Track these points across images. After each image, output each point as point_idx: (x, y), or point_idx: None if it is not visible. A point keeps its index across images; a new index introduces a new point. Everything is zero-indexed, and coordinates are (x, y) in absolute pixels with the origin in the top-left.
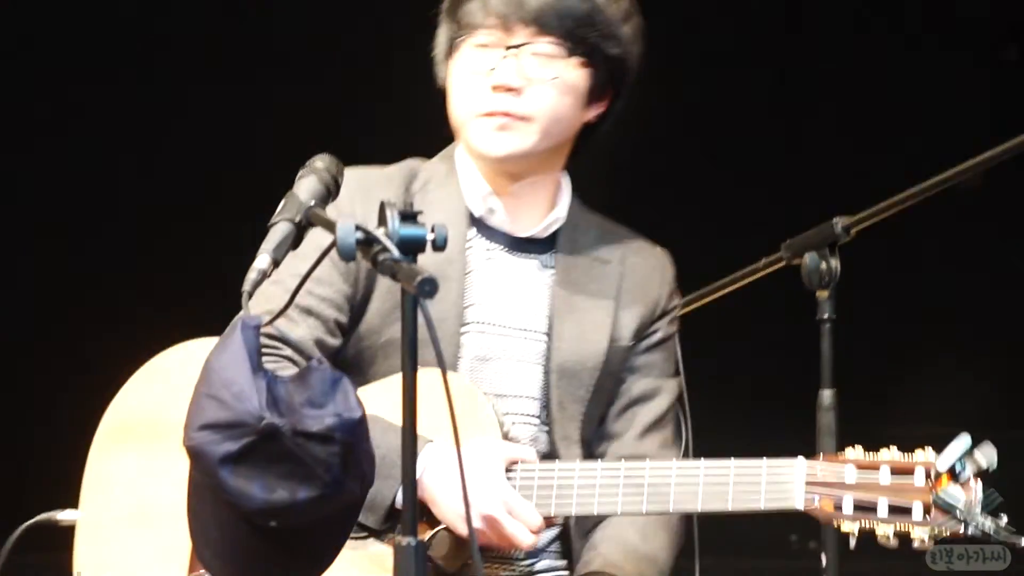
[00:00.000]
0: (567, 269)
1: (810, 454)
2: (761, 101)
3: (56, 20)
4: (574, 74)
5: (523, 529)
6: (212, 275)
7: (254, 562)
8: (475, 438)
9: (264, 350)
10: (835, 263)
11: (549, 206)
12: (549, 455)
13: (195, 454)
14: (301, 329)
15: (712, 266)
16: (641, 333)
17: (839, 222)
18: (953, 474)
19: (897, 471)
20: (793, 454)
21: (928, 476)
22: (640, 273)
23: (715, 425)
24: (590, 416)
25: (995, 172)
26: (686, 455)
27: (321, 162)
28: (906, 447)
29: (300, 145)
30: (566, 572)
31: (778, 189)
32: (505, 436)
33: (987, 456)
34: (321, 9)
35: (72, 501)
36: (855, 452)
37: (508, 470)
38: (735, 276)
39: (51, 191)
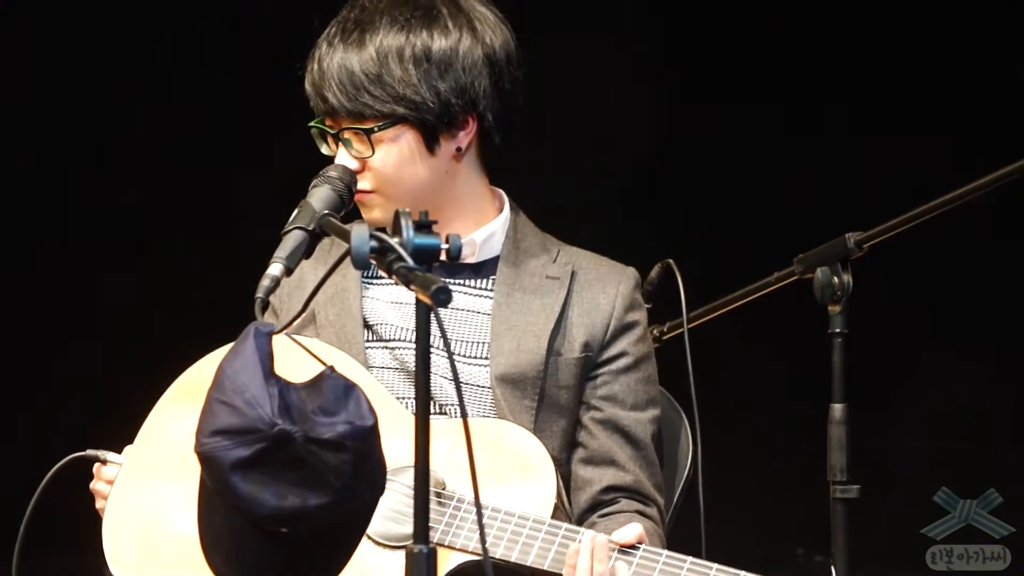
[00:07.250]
0: (507, 292)
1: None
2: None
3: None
4: (389, 144)
5: None
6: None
7: (264, 569)
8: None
9: None
10: (847, 278)
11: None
12: None
13: (206, 460)
14: None
15: (724, 280)
16: (595, 348)
17: (851, 237)
18: None
19: None
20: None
21: None
22: (592, 288)
23: (724, 438)
24: (546, 429)
25: (1007, 190)
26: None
27: (335, 171)
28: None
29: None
30: None
31: (791, 202)
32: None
33: None
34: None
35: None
36: None
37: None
38: (747, 290)
39: None
